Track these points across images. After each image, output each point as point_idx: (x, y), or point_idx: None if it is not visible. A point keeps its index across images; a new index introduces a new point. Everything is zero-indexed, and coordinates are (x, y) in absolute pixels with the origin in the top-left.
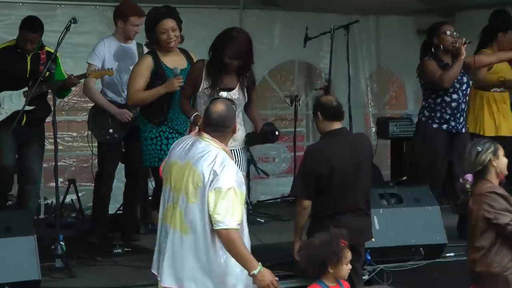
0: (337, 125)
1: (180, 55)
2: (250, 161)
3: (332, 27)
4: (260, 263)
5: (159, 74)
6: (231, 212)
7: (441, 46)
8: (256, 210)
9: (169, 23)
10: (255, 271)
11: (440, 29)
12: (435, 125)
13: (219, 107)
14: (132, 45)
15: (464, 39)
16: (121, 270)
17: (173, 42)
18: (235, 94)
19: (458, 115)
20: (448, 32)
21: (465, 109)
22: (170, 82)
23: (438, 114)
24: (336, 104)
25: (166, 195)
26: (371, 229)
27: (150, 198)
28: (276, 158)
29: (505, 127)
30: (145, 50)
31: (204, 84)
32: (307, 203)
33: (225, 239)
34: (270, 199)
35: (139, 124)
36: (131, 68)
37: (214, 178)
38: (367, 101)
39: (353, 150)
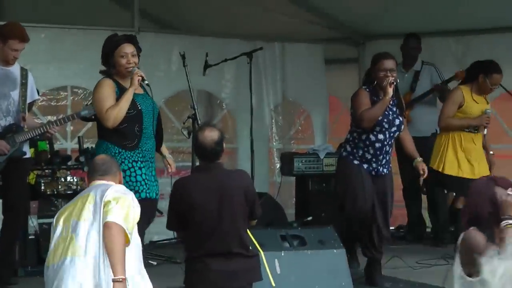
0: (204, 161)
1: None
2: None
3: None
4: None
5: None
6: (124, 213)
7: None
8: (148, 252)
9: (130, 48)
10: (118, 278)
11: (377, 62)
12: (356, 161)
13: (101, 156)
14: (14, 68)
15: (392, 78)
16: None
17: (132, 68)
18: None
19: (381, 157)
20: (383, 68)
21: (390, 152)
22: (132, 79)
23: (360, 152)
24: (210, 146)
25: (54, 239)
26: (256, 271)
27: (30, 237)
28: None
29: (467, 169)
30: (30, 75)
31: None
32: (182, 234)
33: (110, 231)
34: (164, 240)
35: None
36: (12, 93)
37: (109, 196)
38: (271, 135)
39: (221, 187)
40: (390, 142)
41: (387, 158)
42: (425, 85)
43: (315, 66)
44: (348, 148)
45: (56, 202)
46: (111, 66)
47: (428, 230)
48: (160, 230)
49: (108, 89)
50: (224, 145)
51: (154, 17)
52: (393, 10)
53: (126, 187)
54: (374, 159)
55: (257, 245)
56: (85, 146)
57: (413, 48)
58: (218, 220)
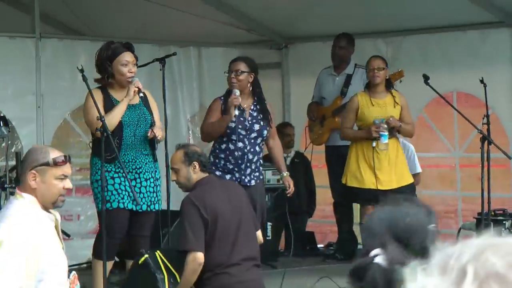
0: (206, 174)
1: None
2: None
3: None
4: None
5: (107, 109)
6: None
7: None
8: None
9: (130, 56)
10: None
11: (230, 65)
12: (218, 173)
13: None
14: None
15: (238, 100)
16: None
17: (131, 77)
18: None
19: (243, 165)
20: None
21: (254, 160)
22: (128, 90)
23: (222, 162)
24: (203, 153)
25: None
26: (262, 282)
27: None
28: (81, 216)
29: (369, 179)
30: None
31: None
32: (201, 256)
33: None
34: (74, 265)
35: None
36: None
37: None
38: None
39: (230, 195)
40: (253, 150)
41: (252, 168)
42: (357, 89)
43: None
44: (211, 159)
45: None
46: (109, 75)
47: (360, 247)
48: (69, 254)
49: (96, 99)
50: None
51: (57, 22)
52: (318, 10)
53: (98, 198)
54: (236, 169)
55: (170, 267)
56: None
57: (345, 48)
58: (237, 227)
